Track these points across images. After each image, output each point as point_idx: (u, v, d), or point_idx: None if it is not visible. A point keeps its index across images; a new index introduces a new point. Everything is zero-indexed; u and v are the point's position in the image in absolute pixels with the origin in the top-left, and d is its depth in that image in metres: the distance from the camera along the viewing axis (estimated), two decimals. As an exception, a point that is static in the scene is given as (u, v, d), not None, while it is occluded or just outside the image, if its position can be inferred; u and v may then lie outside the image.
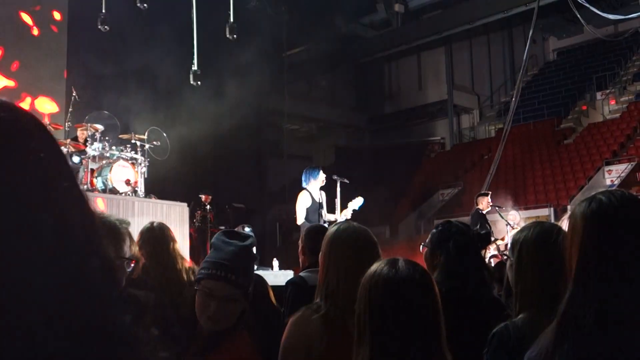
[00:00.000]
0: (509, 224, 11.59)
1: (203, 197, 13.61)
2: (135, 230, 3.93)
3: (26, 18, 13.04)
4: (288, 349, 2.59)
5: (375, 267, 1.99)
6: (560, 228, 2.29)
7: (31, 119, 0.87)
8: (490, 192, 12.22)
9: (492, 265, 8.93)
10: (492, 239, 11.21)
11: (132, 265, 2.75)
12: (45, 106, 12.74)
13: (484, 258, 3.37)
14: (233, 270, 2.53)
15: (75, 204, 0.85)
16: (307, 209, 8.22)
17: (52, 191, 0.82)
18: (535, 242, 2.31)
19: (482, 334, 2.34)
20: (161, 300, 2.82)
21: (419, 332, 1.86)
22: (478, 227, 11.04)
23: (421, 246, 3.32)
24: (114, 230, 2.77)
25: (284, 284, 4.52)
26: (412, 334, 1.85)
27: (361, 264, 2.57)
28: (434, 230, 3.28)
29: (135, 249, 3.33)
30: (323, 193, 8.47)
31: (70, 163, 8.82)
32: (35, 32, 13.35)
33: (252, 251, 2.73)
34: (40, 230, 0.78)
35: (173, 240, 3.90)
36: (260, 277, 4.74)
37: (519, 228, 3.45)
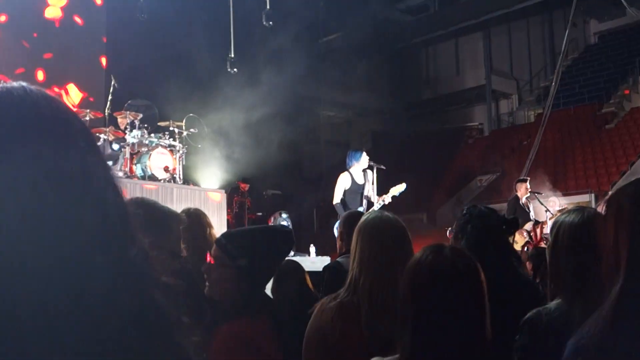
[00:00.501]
0: (548, 210, 11.44)
1: (241, 185, 13.71)
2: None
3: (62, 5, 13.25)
4: (307, 338, 2.61)
5: (420, 253, 1.97)
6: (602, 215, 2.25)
7: (69, 110, 0.89)
8: (528, 178, 12.06)
9: (528, 251, 8.87)
10: (531, 224, 11.09)
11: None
12: (76, 94, 12.96)
13: (509, 242, 3.31)
14: (228, 238, 2.66)
15: (112, 193, 0.87)
16: (346, 191, 8.30)
17: (93, 180, 0.84)
18: (573, 225, 2.29)
19: (506, 318, 2.29)
20: (197, 286, 2.85)
21: (462, 319, 1.84)
22: (514, 213, 10.92)
23: (448, 231, 3.31)
24: (161, 221, 2.82)
25: (321, 269, 4.55)
26: (455, 322, 1.83)
27: (385, 253, 2.56)
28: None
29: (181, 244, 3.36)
30: (369, 172, 8.51)
31: (109, 151, 8.95)
32: (78, 20, 13.55)
33: (260, 234, 2.79)
34: (83, 216, 0.81)
35: (210, 226, 3.93)
36: (296, 263, 4.78)
37: (558, 214, 3.40)
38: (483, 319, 1.88)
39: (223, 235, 2.77)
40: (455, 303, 1.85)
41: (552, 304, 2.25)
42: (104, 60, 13.93)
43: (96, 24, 13.95)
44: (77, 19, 13.55)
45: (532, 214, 11.35)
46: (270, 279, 2.70)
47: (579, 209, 2.43)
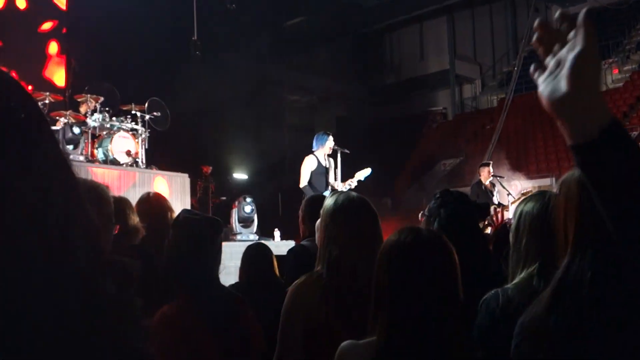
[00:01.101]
0: (510, 193, 11.58)
1: (203, 168, 13.61)
2: (135, 201, 3.92)
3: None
4: (288, 315, 2.61)
5: (397, 235, 2.01)
6: None
7: (8, 78, 0.82)
8: (491, 162, 12.17)
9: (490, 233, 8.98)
10: (492, 208, 11.21)
11: (117, 229, 2.80)
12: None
13: (479, 227, 3.36)
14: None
15: (57, 167, 0.81)
16: (312, 172, 8.31)
17: (34, 154, 0.78)
18: (534, 210, 2.33)
19: (477, 299, 2.34)
20: (154, 268, 2.86)
21: (438, 296, 1.90)
22: (477, 198, 11.05)
23: (419, 215, 3.34)
24: (101, 196, 2.77)
25: (285, 253, 4.54)
26: (431, 299, 1.89)
27: (362, 234, 2.58)
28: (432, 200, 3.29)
29: (136, 218, 3.32)
30: (331, 160, 8.55)
31: (70, 135, 8.78)
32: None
33: (185, 219, 2.86)
34: (22, 195, 0.74)
35: (170, 210, 3.88)
36: (264, 246, 4.76)
37: (521, 198, 3.45)
38: (457, 292, 1.95)
39: (177, 217, 2.89)
40: (433, 280, 1.91)
41: (510, 285, 2.29)
42: (54, 45, 13.57)
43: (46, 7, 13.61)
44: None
45: (496, 198, 11.48)
46: (201, 262, 2.72)
47: (540, 192, 2.48)
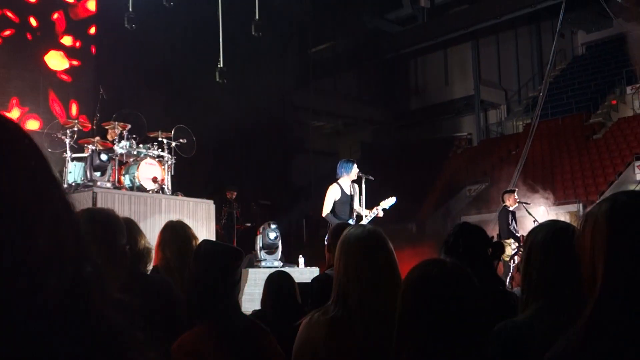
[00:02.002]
0: (536, 220, 11.50)
1: (227, 193, 13.67)
2: (159, 228, 3.96)
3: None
4: (296, 352, 2.61)
5: (423, 268, 2.01)
6: (574, 228, 2.27)
7: (18, 128, 0.86)
8: (516, 189, 12.14)
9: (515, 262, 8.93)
10: (516, 237, 11.19)
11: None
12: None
13: (492, 263, 3.39)
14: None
15: (65, 210, 0.85)
16: (336, 202, 8.27)
17: (46, 199, 0.82)
18: (544, 241, 2.31)
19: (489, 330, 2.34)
20: (154, 301, 2.88)
21: (465, 328, 1.91)
22: (512, 224, 11.08)
23: (439, 251, 3.36)
24: (110, 229, 2.80)
25: (309, 280, 4.54)
26: (459, 330, 1.90)
27: (372, 268, 2.57)
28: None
29: (145, 240, 3.32)
30: (356, 185, 8.52)
31: (98, 162, 8.88)
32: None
33: (209, 247, 2.91)
34: (38, 238, 0.78)
35: (194, 237, 3.90)
36: (285, 274, 4.77)
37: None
38: (480, 324, 1.96)
39: (197, 247, 2.92)
40: (459, 312, 1.92)
41: (521, 316, 2.29)
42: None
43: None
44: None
45: (513, 225, 11.48)
46: (221, 291, 2.73)
47: (552, 222, 2.46)
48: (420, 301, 1.95)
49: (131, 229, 3.18)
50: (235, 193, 13.98)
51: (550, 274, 2.24)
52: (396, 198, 8.62)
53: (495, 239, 3.48)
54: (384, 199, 8.57)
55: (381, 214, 8.39)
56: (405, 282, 2.04)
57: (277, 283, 4.54)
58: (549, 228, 2.36)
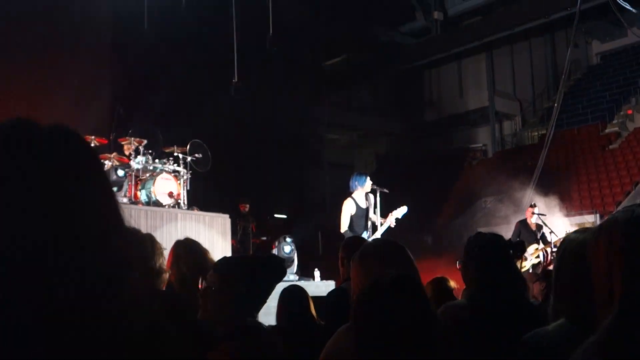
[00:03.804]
0: (552, 231, 11.44)
1: (241, 207, 13.69)
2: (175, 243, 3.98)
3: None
4: (323, 358, 2.61)
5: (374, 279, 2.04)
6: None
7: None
8: (534, 203, 12.15)
9: (539, 272, 8.89)
10: (534, 246, 11.16)
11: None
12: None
13: (517, 267, 3.35)
14: (226, 265, 2.81)
15: (121, 214, 0.96)
16: (352, 216, 8.27)
17: (116, 206, 0.94)
18: (576, 249, 2.23)
19: (512, 339, 2.30)
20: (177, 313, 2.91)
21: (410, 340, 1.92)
22: (518, 237, 11.06)
23: (457, 263, 3.33)
24: (145, 244, 2.84)
25: (325, 294, 4.55)
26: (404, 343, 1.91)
27: None
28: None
29: (162, 259, 3.36)
30: (371, 196, 8.50)
31: (114, 177, 8.98)
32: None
33: (256, 263, 2.89)
34: (111, 239, 0.90)
35: (207, 251, 3.92)
36: (300, 289, 4.78)
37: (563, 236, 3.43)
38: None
39: (220, 262, 2.85)
40: (408, 324, 1.93)
41: (552, 325, 2.23)
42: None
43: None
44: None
45: (540, 235, 11.44)
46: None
47: (584, 230, 2.40)
48: (367, 312, 1.98)
49: (152, 246, 3.22)
50: (247, 206, 13.98)
51: (580, 282, 2.20)
52: (411, 209, 8.58)
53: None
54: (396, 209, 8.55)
55: (394, 224, 8.35)
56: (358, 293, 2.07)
57: (291, 297, 4.56)
58: (581, 236, 2.29)
